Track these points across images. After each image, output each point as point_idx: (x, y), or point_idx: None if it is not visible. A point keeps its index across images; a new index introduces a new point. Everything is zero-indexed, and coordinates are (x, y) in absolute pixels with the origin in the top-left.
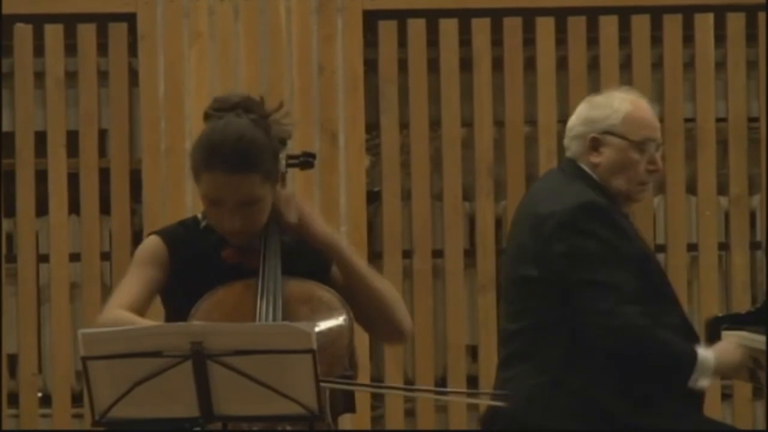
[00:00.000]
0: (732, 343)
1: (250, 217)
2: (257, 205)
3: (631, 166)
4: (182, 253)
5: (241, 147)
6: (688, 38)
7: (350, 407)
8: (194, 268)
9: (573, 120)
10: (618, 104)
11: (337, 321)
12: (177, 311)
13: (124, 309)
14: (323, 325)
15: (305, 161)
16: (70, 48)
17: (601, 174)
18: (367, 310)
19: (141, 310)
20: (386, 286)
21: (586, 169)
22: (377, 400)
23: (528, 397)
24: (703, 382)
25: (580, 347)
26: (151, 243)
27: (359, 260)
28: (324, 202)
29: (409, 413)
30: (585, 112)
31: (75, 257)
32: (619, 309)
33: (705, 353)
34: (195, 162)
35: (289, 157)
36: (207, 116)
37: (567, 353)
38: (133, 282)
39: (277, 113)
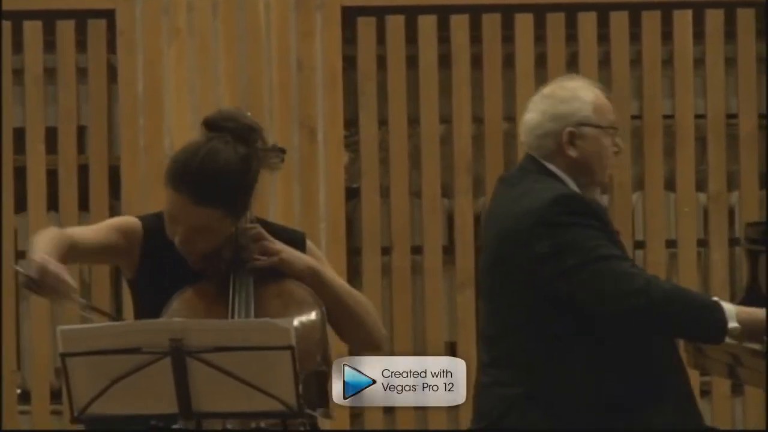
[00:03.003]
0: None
1: (199, 242)
2: (211, 234)
3: (605, 153)
4: (155, 247)
5: (212, 182)
6: (667, 35)
7: (324, 402)
8: (164, 265)
9: (535, 118)
10: (583, 95)
11: (309, 316)
12: (147, 308)
13: (68, 239)
14: (295, 321)
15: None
16: (49, 44)
17: (577, 167)
18: (343, 325)
19: (82, 253)
20: (363, 303)
21: (552, 168)
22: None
23: (503, 409)
24: (734, 323)
25: (562, 353)
26: (131, 221)
27: (336, 280)
28: (303, 199)
29: (388, 411)
30: (550, 108)
31: None
32: (634, 270)
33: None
34: (168, 173)
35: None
36: (203, 125)
37: (544, 362)
38: (94, 230)
39: (272, 152)
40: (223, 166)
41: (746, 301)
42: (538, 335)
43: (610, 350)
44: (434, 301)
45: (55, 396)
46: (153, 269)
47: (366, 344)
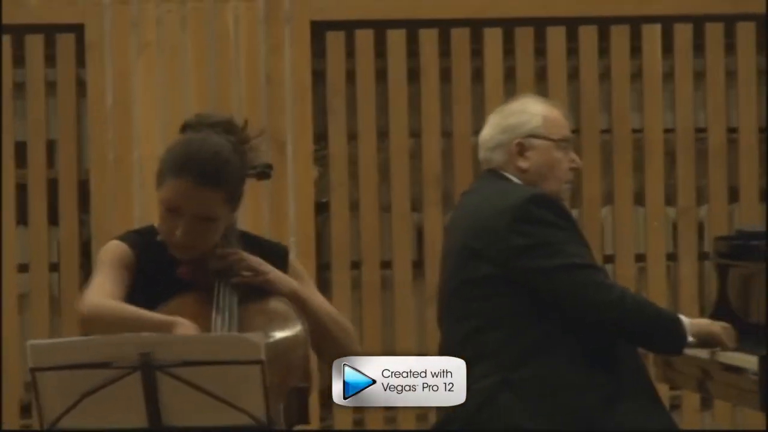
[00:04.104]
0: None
1: (201, 234)
2: (213, 223)
3: (557, 165)
4: (143, 262)
5: (216, 163)
6: (636, 49)
7: (304, 418)
8: (151, 279)
9: (488, 132)
10: (533, 108)
11: (292, 332)
12: None
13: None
14: (278, 336)
15: (262, 172)
16: (18, 59)
17: (530, 178)
18: (320, 345)
19: None
20: (342, 325)
21: (511, 176)
22: (325, 410)
23: (482, 399)
24: (690, 337)
25: (537, 343)
26: (119, 247)
27: (317, 301)
28: (272, 213)
29: (358, 423)
30: (501, 121)
31: (23, 268)
32: (610, 282)
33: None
34: (164, 167)
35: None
36: (185, 127)
37: (521, 350)
38: (109, 280)
39: (256, 140)
40: (219, 149)
41: (715, 315)
42: (514, 326)
43: (581, 342)
44: (404, 314)
45: (25, 410)
46: (140, 286)
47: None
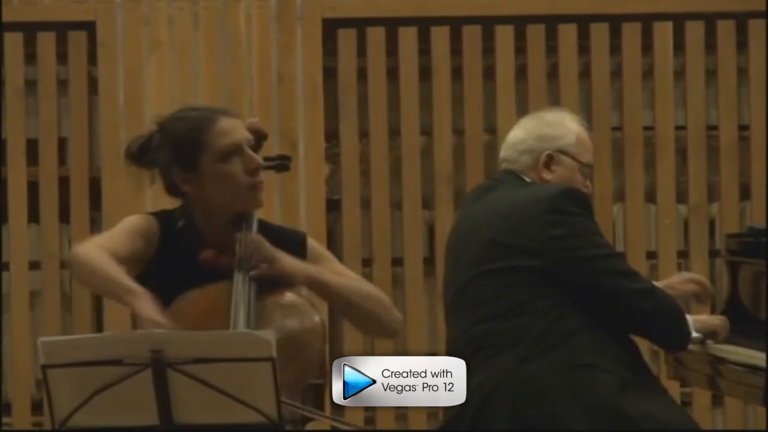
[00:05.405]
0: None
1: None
2: None
3: (576, 186)
4: (169, 244)
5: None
6: (647, 46)
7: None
8: (170, 264)
9: (521, 134)
10: (570, 124)
11: (309, 327)
12: None
13: (114, 258)
14: (295, 332)
15: (281, 164)
16: (30, 56)
17: None
18: (356, 320)
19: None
20: (372, 294)
21: (529, 181)
22: (336, 408)
23: (498, 379)
24: (695, 332)
25: (556, 330)
26: (148, 223)
27: (339, 281)
28: (283, 211)
29: (369, 421)
30: (537, 128)
31: (34, 265)
32: (638, 272)
33: None
34: (198, 134)
35: (265, 158)
36: (170, 121)
37: (540, 336)
38: (120, 239)
39: None
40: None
41: (727, 313)
42: (533, 313)
43: (598, 332)
44: (415, 312)
45: (36, 408)
46: (158, 271)
47: (380, 333)
